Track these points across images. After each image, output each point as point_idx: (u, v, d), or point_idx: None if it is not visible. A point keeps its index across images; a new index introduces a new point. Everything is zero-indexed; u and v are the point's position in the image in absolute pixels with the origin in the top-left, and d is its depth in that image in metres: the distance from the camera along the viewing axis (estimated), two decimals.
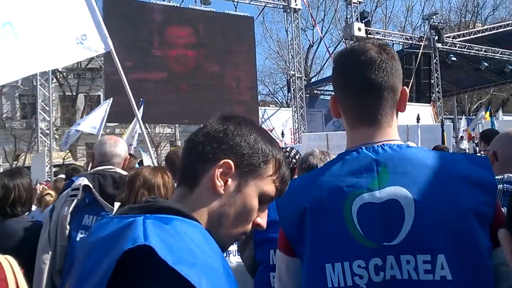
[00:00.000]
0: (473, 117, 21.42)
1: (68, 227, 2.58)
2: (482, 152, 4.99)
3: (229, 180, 0.99)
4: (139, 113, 7.75)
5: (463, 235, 1.11)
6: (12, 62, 3.26)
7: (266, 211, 1.06)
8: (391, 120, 1.28)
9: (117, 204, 2.15)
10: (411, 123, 10.00)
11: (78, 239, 2.53)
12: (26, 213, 2.80)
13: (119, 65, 4.00)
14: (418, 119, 10.23)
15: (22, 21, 3.34)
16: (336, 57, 1.35)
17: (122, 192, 2.22)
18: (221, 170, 0.98)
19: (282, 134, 17.15)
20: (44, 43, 3.42)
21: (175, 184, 2.69)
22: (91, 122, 10.27)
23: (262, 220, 1.04)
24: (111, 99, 9.95)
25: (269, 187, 1.03)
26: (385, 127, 1.26)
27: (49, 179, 11.93)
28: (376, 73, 1.24)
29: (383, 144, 1.23)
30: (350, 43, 9.20)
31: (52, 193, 5.05)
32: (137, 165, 4.77)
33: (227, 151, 0.99)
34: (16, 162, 25.09)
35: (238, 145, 1.00)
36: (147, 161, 6.24)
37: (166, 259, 0.76)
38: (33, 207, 4.79)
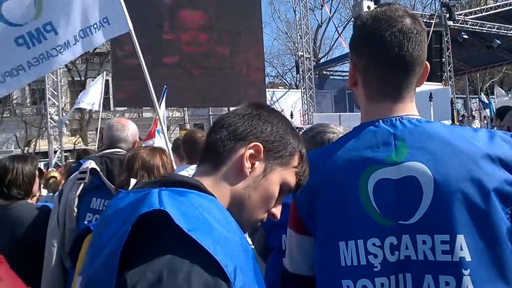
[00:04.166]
0: (492, 96, 21.05)
1: (76, 210, 2.57)
2: (495, 128, 4.95)
3: (256, 163, 0.99)
4: (163, 101, 7.69)
5: (484, 215, 1.06)
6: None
7: (281, 202, 1.05)
8: (413, 94, 1.22)
9: (133, 181, 2.11)
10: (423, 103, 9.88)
11: (86, 222, 2.52)
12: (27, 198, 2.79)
13: (137, 46, 4.00)
14: (430, 97, 10.12)
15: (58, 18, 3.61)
16: (361, 20, 1.22)
17: (121, 174, 2.18)
18: (251, 151, 0.98)
19: (291, 115, 17.08)
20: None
21: (174, 166, 2.65)
22: (90, 99, 10.41)
23: (277, 210, 1.04)
24: (104, 73, 10.11)
25: (292, 178, 1.04)
26: (407, 102, 1.20)
27: (59, 164, 12.02)
28: (413, 46, 1.16)
29: (401, 118, 1.17)
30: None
31: (57, 175, 5.06)
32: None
33: (258, 135, 1.00)
34: (27, 148, 25.35)
35: (269, 131, 1.02)
36: (161, 142, 6.21)
37: (181, 225, 0.77)
38: (44, 192, 4.81)
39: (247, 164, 0.98)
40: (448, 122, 11.83)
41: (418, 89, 1.26)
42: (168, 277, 0.73)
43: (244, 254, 0.84)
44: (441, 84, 19.69)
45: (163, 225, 0.78)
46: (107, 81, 28.34)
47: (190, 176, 1.02)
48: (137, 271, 0.75)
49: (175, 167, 3.70)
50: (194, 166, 3.18)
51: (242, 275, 0.79)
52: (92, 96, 10.50)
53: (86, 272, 0.84)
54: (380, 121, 1.17)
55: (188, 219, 0.79)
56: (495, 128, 4.57)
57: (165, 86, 7.18)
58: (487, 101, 19.22)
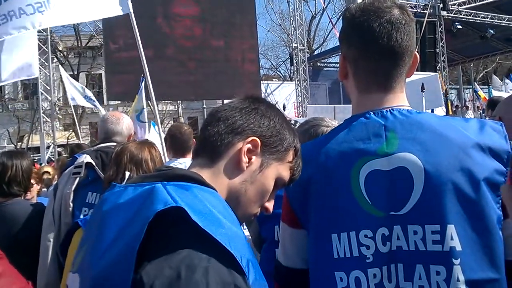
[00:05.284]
0: (486, 86, 21.08)
1: (71, 204, 2.56)
2: (487, 118, 4.97)
3: (253, 157, 1.00)
4: (142, 90, 7.69)
5: (474, 205, 1.07)
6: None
7: (274, 197, 1.06)
8: (403, 85, 1.22)
9: (127, 174, 2.10)
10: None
11: (82, 216, 2.52)
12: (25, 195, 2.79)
13: (137, 33, 3.98)
14: (422, 88, 10.12)
15: None
16: (350, 12, 1.23)
17: (109, 169, 2.17)
18: (249, 146, 0.98)
19: (284, 107, 17.05)
20: None
21: (164, 159, 2.64)
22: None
23: (270, 204, 1.05)
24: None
25: (286, 173, 1.05)
26: (398, 92, 1.21)
27: (52, 159, 11.98)
28: (402, 36, 1.16)
29: (392, 109, 1.17)
30: None
31: (50, 170, 5.03)
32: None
33: (255, 129, 1.00)
34: (20, 143, 25.20)
35: (267, 126, 1.02)
36: (155, 135, 6.24)
37: (197, 221, 0.78)
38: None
39: (245, 159, 0.98)
40: (442, 110, 11.83)
41: (409, 79, 1.26)
42: (186, 274, 0.74)
43: (248, 248, 0.85)
44: (435, 74, 19.69)
45: (178, 221, 0.79)
46: (100, 74, 28.24)
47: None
48: (154, 267, 0.75)
49: (167, 160, 3.71)
50: (181, 160, 3.18)
51: (252, 268, 0.81)
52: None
53: (91, 270, 0.81)
54: (371, 112, 1.18)
55: (200, 214, 0.80)
56: (486, 118, 4.60)
57: (142, 76, 7.13)
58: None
